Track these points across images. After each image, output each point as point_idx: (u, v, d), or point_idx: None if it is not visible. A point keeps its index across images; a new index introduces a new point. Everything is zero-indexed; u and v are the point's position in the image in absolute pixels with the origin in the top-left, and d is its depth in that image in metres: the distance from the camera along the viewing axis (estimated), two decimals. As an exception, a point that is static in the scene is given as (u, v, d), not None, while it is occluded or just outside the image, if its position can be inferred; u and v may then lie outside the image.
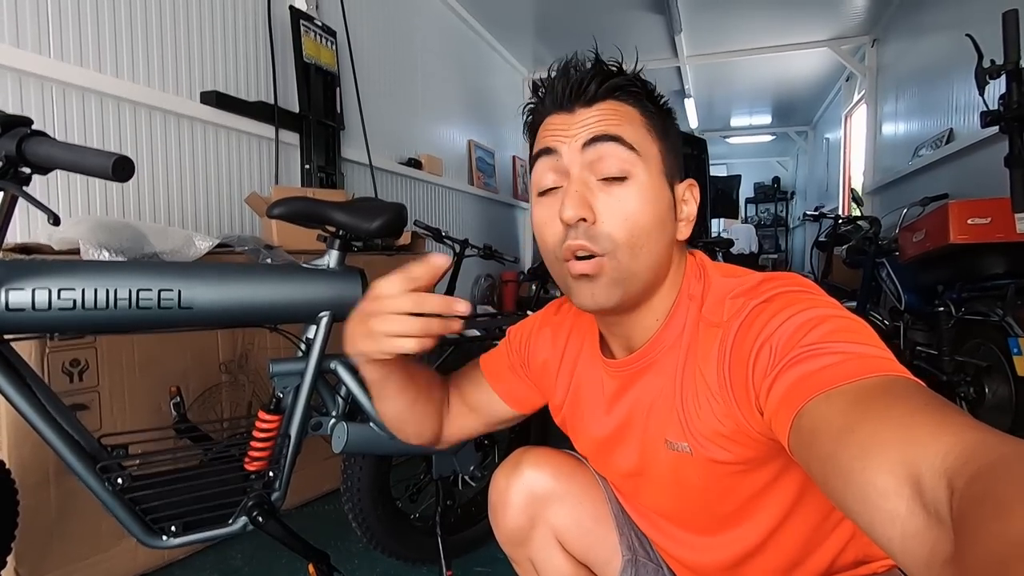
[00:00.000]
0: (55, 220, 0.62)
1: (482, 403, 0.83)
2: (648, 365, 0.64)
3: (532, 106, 0.66)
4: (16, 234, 1.42)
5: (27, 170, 0.67)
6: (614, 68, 0.62)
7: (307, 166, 2.39)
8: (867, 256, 2.80)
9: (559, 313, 0.80)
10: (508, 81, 5.04)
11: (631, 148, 0.58)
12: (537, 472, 0.78)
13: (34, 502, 1.15)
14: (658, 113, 0.63)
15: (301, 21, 2.35)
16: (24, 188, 0.67)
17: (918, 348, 2.34)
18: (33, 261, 0.87)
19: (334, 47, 2.54)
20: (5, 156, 0.64)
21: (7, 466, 0.97)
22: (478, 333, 1.37)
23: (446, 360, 1.26)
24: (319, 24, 2.45)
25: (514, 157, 4.99)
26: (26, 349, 1.12)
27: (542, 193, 0.62)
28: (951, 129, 3.09)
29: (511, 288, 4.34)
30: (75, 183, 1.61)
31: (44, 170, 0.67)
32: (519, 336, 0.82)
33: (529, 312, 1.40)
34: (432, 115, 3.71)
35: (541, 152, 0.62)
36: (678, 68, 5.51)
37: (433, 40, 3.72)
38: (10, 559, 0.97)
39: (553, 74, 0.63)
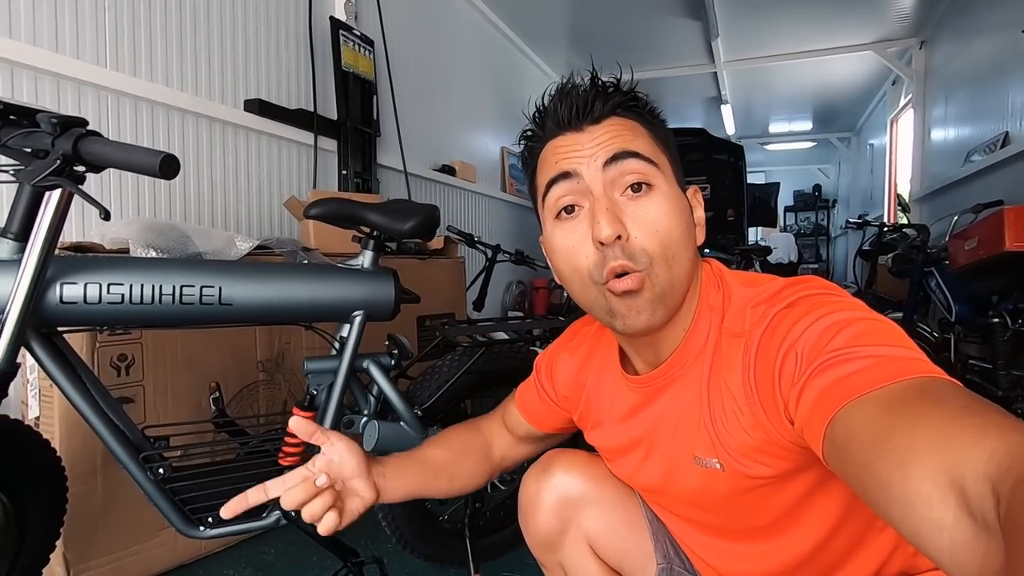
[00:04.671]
0: (106, 215, 0.65)
1: (527, 433, 0.86)
2: (671, 380, 0.63)
3: (530, 133, 0.65)
4: (72, 233, 1.50)
5: (82, 168, 0.71)
6: (612, 85, 0.62)
7: (344, 171, 2.45)
8: (915, 265, 2.69)
9: (576, 337, 0.81)
10: (541, 89, 5.03)
11: (649, 161, 0.58)
12: (568, 475, 0.77)
13: (82, 491, 1.20)
14: (658, 125, 0.63)
15: (340, 31, 2.42)
16: (79, 186, 0.70)
17: (971, 362, 2.23)
18: (85, 257, 0.91)
19: (372, 56, 2.60)
20: (62, 155, 0.67)
21: (58, 453, 1.01)
22: (506, 336, 1.37)
23: (476, 362, 1.26)
24: (358, 34, 2.51)
25: (547, 164, 4.99)
26: (77, 343, 1.17)
27: (560, 217, 0.60)
28: (1006, 133, 2.95)
29: (542, 295, 4.33)
30: (126, 186, 1.69)
31: (97, 168, 0.70)
32: (543, 364, 0.84)
33: (561, 318, 1.40)
34: (466, 122, 3.75)
35: (558, 177, 0.59)
36: (714, 74, 5.44)
37: (468, 49, 3.77)
38: (59, 543, 1.01)
39: (547, 99, 0.63)
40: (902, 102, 5.39)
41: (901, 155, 5.72)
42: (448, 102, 3.50)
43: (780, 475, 0.56)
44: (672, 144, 0.63)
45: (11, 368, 0.77)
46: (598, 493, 0.76)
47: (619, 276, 0.56)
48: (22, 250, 0.77)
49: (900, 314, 2.72)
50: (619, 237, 0.55)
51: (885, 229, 3.31)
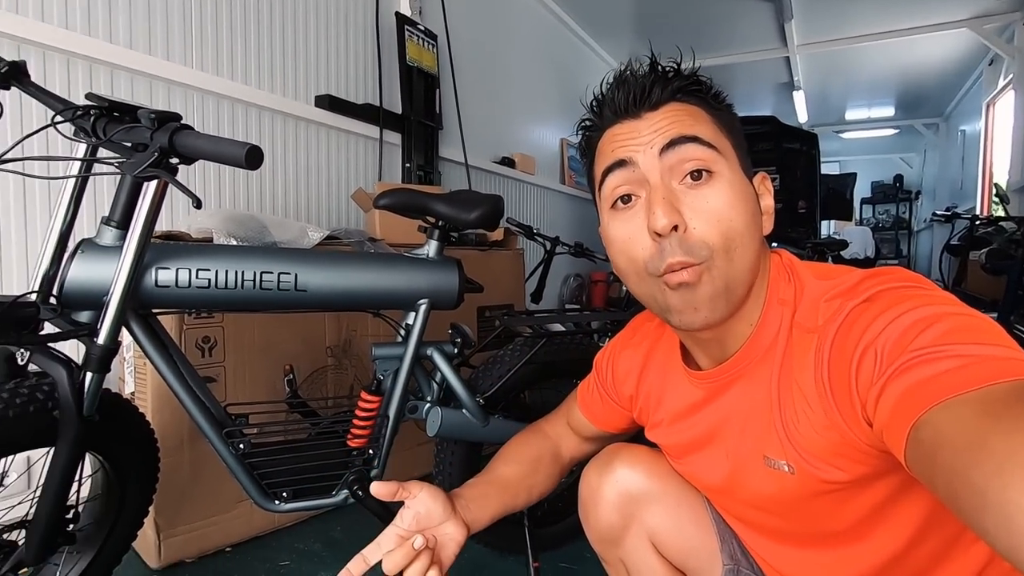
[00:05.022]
0: (198, 203, 0.69)
1: (592, 434, 0.87)
2: (738, 376, 0.60)
3: (588, 123, 0.64)
4: (161, 223, 1.61)
5: (176, 160, 0.76)
6: (671, 69, 0.59)
7: (407, 164, 2.50)
8: (1014, 261, 2.48)
9: (637, 334, 0.80)
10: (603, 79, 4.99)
11: (710, 146, 0.55)
12: (631, 471, 0.75)
13: (171, 462, 1.29)
14: (723, 110, 0.60)
15: (405, 26, 2.46)
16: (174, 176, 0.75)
17: (1078, 368, 2.02)
18: (177, 244, 0.97)
19: (435, 50, 2.64)
20: (160, 148, 0.72)
21: (151, 426, 1.09)
22: (563, 328, 1.36)
23: (537, 353, 1.26)
24: (422, 28, 2.56)
25: (607, 156, 4.93)
26: (167, 325, 1.26)
27: (616, 207, 0.59)
28: None
29: (600, 288, 4.28)
30: (210, 180, 1.80)
31: (190, 160, 0.75)
32: (604, 362, 0.83)
33: (624, 311, 1.37)
34: (526, 114, 3.75)
35: (614, 165, 0.58)
36: (787, 58, 5.17)
37: (529, 41, 3.76)
38: (151, 509, 1.10)
39: (605, 87, 0.61)
40: (1001, 83, 4.94)
41: (998, 142, 5.24)
42: (509, 95, 3.51)
43: (856, 480, 0.53)
44: (738, 129, 0.61)
45: (115, 345, 0.84)
46: (661, 489, 0.74)
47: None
48: (123, 237, 0.84)
49: (994, 314, 2.51)
50: (676, 228, 0.53)
51: (978, 222, 3.06)
